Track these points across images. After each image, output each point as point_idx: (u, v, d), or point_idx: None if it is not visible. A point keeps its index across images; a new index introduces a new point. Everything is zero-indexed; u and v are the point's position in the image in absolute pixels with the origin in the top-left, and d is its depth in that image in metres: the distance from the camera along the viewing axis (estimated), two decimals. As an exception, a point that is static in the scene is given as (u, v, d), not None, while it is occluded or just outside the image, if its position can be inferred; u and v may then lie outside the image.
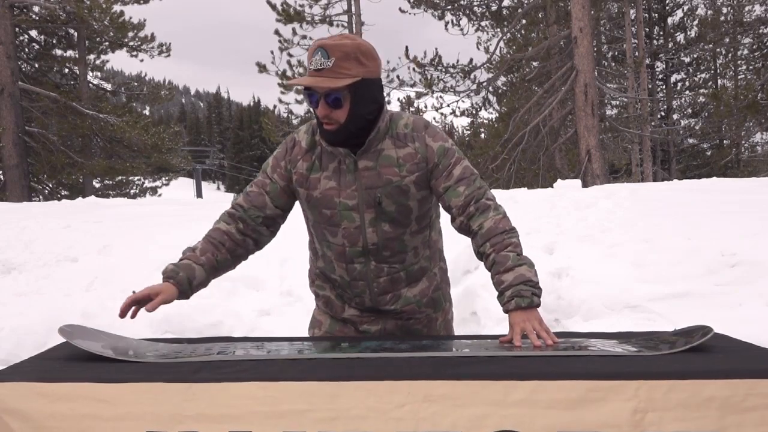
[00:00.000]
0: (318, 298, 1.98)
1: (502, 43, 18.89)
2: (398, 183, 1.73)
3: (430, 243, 1.89)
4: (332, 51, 1.61)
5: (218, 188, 69.82)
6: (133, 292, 1.64)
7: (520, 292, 1.60)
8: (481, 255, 1.72)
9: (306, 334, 2.03)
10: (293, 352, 1.51)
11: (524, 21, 18.49)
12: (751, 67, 23.66)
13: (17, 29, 17.23)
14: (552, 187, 9.38)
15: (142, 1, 18.87)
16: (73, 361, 1.43)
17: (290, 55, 18.97)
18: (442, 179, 1.74)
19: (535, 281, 1.63)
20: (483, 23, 18.85)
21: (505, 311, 1.63)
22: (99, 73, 22.08)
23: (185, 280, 1.71)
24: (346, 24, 19.92)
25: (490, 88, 19.44)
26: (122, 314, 1.61)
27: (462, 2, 17.67)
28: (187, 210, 8.30)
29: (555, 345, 1.52)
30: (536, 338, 1.54)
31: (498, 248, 1.67)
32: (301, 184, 1.78)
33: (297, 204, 1.87)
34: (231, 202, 1.87)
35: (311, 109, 1.70)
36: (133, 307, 1.63)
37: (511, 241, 1.68)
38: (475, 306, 4.10)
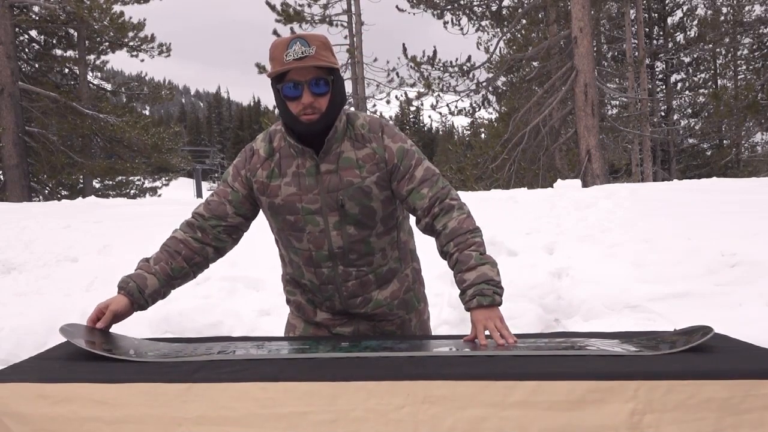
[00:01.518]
0: (290, 303, 1.98)
1: (502, 43, 18.91)
2: (359, 184, 1.71)
3: (399, 244, 1.88)
4: (311, 40, 1.62)
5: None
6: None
7: (482, 290, 1.60)
8: (444, 254, 1.73)
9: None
10: (293, 351, 1.51)
11: (524, 21, 18.49)
12: (751, 67, 23.66)
13: (17, 29, 17.24)
14: (552, 187, 9.38)
15: (142, 1, 18.87)
16: (73, 360, 1.43)
17: (290, 55, 18.95)
18: (405, 182, 1.73)
19: (497, 280, 1.64)
20: (483, 23, 18.85)
21: (467, 309, 1.64)
22: (99, 73, 22.09)
23: (135, 289, 1.71)
24: (346, 24, 19.93)
25: (490, 88, 19.43)
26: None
27: (462, 2, 17.67)
28: (187, 210, 8.30)
29: (514, 344, 1.52)
30: (499, 337, 1.55)
31: (461, 247, 1.67)
32: (262, 192, 1.77)
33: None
34: (191, 211, 1.86)
35: (282, 106, 1.68)
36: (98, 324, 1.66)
37: (474, 241, 1.68)
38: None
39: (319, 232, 1.74)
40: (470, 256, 1.65)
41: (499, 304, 1.62)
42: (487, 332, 1.58)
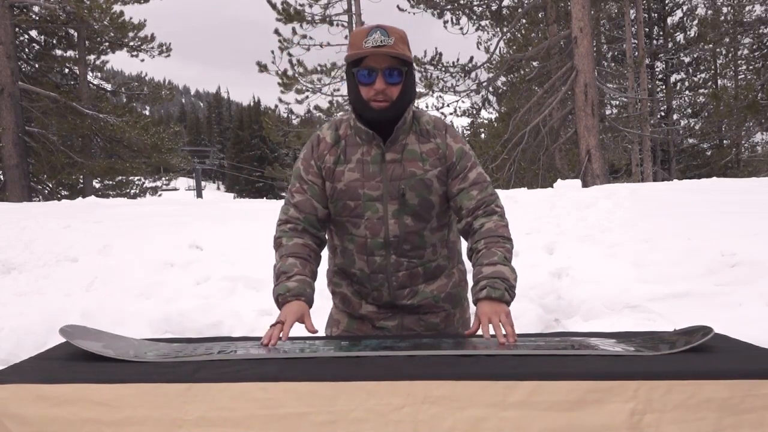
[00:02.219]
0: (335, 296, 2.00)
1: (502, 43, 18.91)
2: (422, 176, 1.78)
3: (448, 243, 1.93)
4: (391, 32, 1.70)
5: (218, 188, 69.82)
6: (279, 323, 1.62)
7: (494, 284, 1.63)
8: (471, 251, 1.76)
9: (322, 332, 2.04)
10: (294, 351, 1.51)
11: (524, 21, 18.49)
12: (751, 67, 23.65)
13: (17, 29, 17.23)
14: (552, 187, 9.38)
15: (142, 1, 18.87)
16: (73, 361, 1.43)
17: (290, 55, 18.98)
18: (458, 180, 1.80)
19: (512, 284, 1.66)
20: (483, 23, 18.86)
21: (475, 300, 1.65)
22: (99, 73, 22.09)
23: (311, 296, 1.73)
24: (346, 24, 19.92)
25: (490, 88, 19.44)
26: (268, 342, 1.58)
27: (461, 2, 17.67)
28: (187, 210, 8.31)
29: (514, 344, 1.52)
30: (501, 335, 1.54)
31: (489, 245, 1.71)
32: (328, 178, 1.82)
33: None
34: (278, 221, 1.87)
35: (355, 90, 1.73)
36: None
37: (504, 246, 1.72)
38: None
39: (377, 219, 1.79)
40: (495, 254, 1.69)
41: (507, 302, 1.63)
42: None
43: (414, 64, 1.79)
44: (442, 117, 20.08)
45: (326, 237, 1.90)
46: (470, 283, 1.76)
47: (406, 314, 1.89)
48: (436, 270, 1.89)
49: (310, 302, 1.71)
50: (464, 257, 2.03)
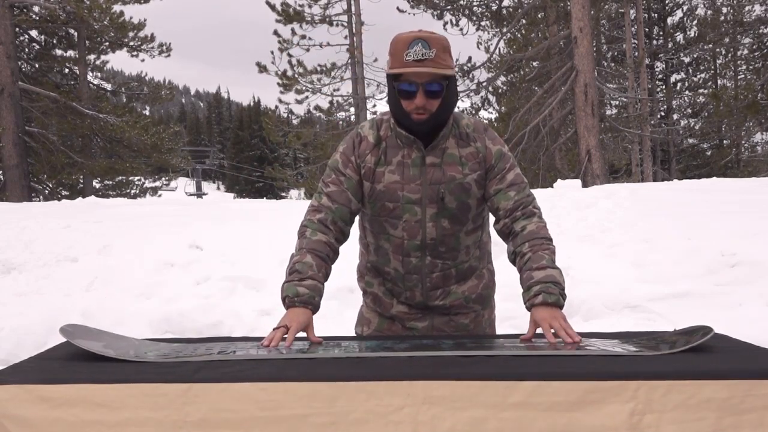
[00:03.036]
0: (366, 294, 2.01)
1: (502, 43, 18.91)
2: (461, 180, 1.78)
3: (480, 244, 1.95)
4: (432, 42, 1.66)
5: (218, 188, 69.82)
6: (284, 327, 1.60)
7: (548, 289, 1.63)
8: (516, 255, 1.76)
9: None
10: (294, 351, 1.51)
11: (524, 21, 18.49)
12: (751, 67, 23.66)
13: (17, 29, 17.23)
14: (552, 187, 9.38)
15: (142, 1, 18.87)
16: (74, 360, 1.42)
17: (290, 55, 19.00)
18: (495, 181, 1.80)
19: (563, 287, 1.67)
20: (483, 23, 18.86)
21: (530, 306, 1.64)
22: (99, 73, 22.08)
23: (318, 303, 1.70)
24: (346, 24, 19.93)
25: (490, 88, 19.44)
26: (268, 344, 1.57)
27: (461, 2, 17.67)
28: (187, 210, 8.31)
29: (579, 343, 1.53)
30: (566, 336, 1.55)
31: (535, 249, 1.71)
32: (367, 178, 1.82)
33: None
34: (310, 206, 1.85)
35: (395, 101, 1.73)
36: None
37: (549, 247, 1.74)
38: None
39: (415, 221, 1.80)
40: (542, 257, 1.69)
41: (562, 306, 1.63)
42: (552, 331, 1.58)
43: (456, 74, 1.77)
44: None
45: (348, 235, 1.87)
46: (503, 284, 1.75)
47: (437, 315, 1.90)
48: (468, 271, 1.91)
49: (316, 310, 1.69)
50: (493, 257, 2.06)
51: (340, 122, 19.82)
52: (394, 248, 1.85)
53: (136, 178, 21.65)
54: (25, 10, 17.32)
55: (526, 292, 1.67)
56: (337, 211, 1.80)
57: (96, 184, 20.41)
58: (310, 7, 19.26)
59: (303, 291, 1.66)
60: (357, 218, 1.91)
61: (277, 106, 20.94)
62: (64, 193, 19.21)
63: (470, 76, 17.01)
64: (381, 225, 1.85)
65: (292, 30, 19.05)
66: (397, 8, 17.64)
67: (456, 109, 1.85)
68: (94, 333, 1.61)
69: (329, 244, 1.78)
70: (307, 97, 19.31)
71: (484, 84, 17.57)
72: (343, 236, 1.84)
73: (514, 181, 1.80)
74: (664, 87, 27.93)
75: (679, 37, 26.88)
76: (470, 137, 1.82)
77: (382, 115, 1.87)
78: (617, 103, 22.87)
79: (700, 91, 25.94)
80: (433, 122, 1.73)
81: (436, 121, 1.73)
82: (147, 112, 24.85)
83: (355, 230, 1.95)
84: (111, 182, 21.16)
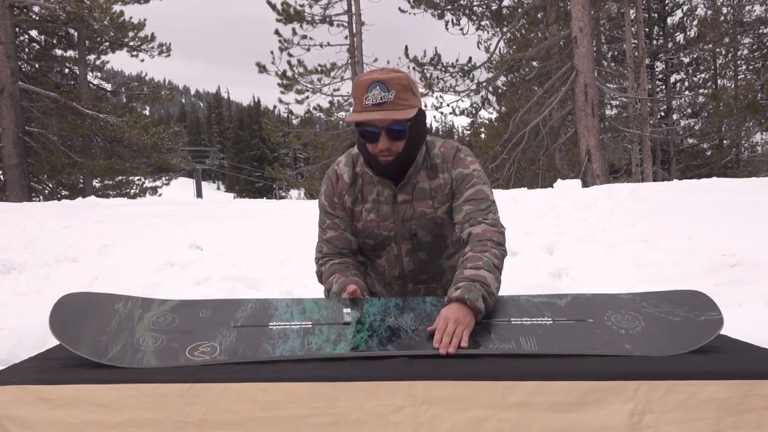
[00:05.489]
0: None
1: (502, 43, 18.90)
2: (432, 215, 1.79)
3: None
4: (391, 84, 1.64)
5: (218, 188, 69.79)
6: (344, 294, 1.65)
7: (471, 286, 1.51)
8: (459, 260, 1.69)
9: None
10: (305, 333, 1.49)
11: (524, 21, 18.48)
12: (751, 67, 23.65)
13: (17, 29, 17.22)
14: (552, 187, 9.37)
15: (142, 1, 18.86)
16: (74, 360, 1.42)
17: (290, 55, 18.99)
18: (455, 199, 1.80)
19: (492, 291, 1.55)
20: (483, 23, 18.85)
21: (447, 300, 1.52)
22: (99, 73, 22.07)
23: (361, 282, 1.76)
24: (346, 24, 19.92)
25: (490, 88, 19.43)
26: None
27: (462, 2, 17.67)
28: (187, 210, 8.30)
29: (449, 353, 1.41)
30: (447, 343, 1.41)
31: (476, 249, 1.64)
32: (348, 216, 1.87)
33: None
34: (315, 259, 1.91)
35: (362, 145, 1.73)
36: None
37: (491, 249, 1.63)
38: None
39: (393, 256, 1.85)
40: (480, 258, 1.60)
41: (480, 313, 1.50)
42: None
43: (422, 107, 1.75)
44: (442, 116, 20.06)
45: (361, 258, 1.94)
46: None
47: None
48: None
49: (361, 285, 1.70)
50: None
51: (340, 122, 19.81)
52: (378, 276, 1.93)
53: (136, 178, 21.65)
54: (25, 10, 17.31)
55: (450, 288, 1.56)
56: (339, 254, 1.86)
57: (96, 184, 20.40)
58: (310, 7, 19.26)
59: (336, 288, 1.72)
60: None
61: (275, 106, 20.95)
62: (64, 193, 19.18)
63: (470, 76, 17.00)
64: (366, 256, 1.92)
65: (293, 30, 19.04)
66: (399, 9, 17.64)
67: (431, 136, 1.85)
68: (92, 313, 1.52)
69: (344, 262, 1.84)
70: (307, 97, 19.30)
71: (484, 84, 17.56)
72: (358, 261, 1.90)
73: (470, 196, 1.75)
74: (664, 87, 27.91)
75: (679, 37, 26.87)
76: (439, 168, 1.79)
77: (358, 152, 1.84)
78: (617, 103, 22.86)
79: (700, 91, 25.92)
80: (399, 162, 1.72)
81: (403, 161, 1.73)
82: (147, 112, 24.81)
83: None
84: (111, 182, 21.16)
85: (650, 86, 25.82)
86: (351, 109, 1.75)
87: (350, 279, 1.73)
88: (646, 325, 1.51)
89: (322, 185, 1.91)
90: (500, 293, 1.62)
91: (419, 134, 1.73)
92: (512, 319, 1.53)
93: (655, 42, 27.00)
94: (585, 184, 11.13)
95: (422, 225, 1.79)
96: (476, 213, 1.73)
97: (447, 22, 17.72)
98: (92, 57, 20.47)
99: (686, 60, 27.26)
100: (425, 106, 18.57)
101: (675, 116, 26.50)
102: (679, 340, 1.47)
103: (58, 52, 20.09)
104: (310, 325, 1.52)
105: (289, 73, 18.75)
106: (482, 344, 1.46)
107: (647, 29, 26.02)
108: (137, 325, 1.51)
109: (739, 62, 24.91)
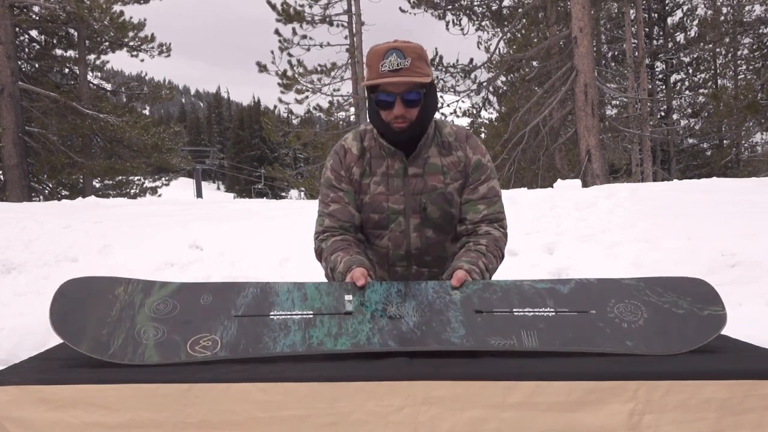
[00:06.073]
0: None
1: (502, 43, 18.89)
2: (442, 190, 1.80)
3: None
4: (407, 52, 1.67)
5: (218, 188, 69.78)
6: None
7: (474, 268, 1.66)
8: (469, 239, 1.80)
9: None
10: (307, 325, 1.48)
11: (524, 21, 18.48)
12: (751, 67, 23.63)
13: (17, 29, 17.22)
14: (552, 187, 9.37)
15: (142, 1, 18.86)
16: (74, 360, 1.42)
17: (290, 55, 18.99)
18: (468, 191, 1.82)
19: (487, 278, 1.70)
20: (483, 23, 18.85)
21: (452, 270, 1.65)
22: (99, 73, 22.06)
23: (366, 262, 1.73)
24: (346, 24, 19.92)
25: (490, 88, 19.43)
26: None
27: (462, 2, 17.67)
28: (187, 210, 8.30)
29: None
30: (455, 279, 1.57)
31: (490, 250, 1.75)
32: (355, 190, 1.84)
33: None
34: (315, 234, 1.87)
35: (375, 113, 1.74)
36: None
37: (498, 262, 1.77)
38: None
39: (400, 231, 1.82)
40: (493, 262, 1.73)
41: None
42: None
43: (434, 80, 1.78)
44: (443, 117, 20.15)
45: (363, 237, 1.89)
46: None
47: None
48: None
49: (366, 265, 1.68)
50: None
51: (340, 122, 19.81)
52: (380, 259, 1.88)
53: (136, 178, 21.64)
54: (25, 10, 17.30)
55: (458, 261, 1.68)
56: (341, 228, 1.82)
57: (96, 184, 20.40)
58: (310, 7, 19.26)
59: (342, 267, 1.68)
60: None
61: (275, 106, 20.95)
62: (64, 193, 19.19)
63: (471, 76, 17.00)
64: (366, 236, 1.87)
65: (293, 30, 19.05)
66: (400, 9, 17.64)
67: (441, 117, 1.85)
68: (91, 302, 1.49)
69: (346, 239, 1.80)
70: (307, 97, 19.30)
71: (485, 84, 17.56)
72: (359, 239, 1.86)
73: (486, 194, 1.82)
74: (664, 87, 27.91)
75: (679, 37, 26.87)
76: (452, 146, 1.83)
77: (366, 126, 1.88)
78: (617, 103, 22.86)
79: (700, 91, 25.92)
80: (413, 130, 1.74)
81: (416, 129, 1.74)
82: (147, 112, 24.81)
83: None
84: (111, 182, 21.15)
85: (650, 86, 25.82)
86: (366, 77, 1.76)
87: (355, 258, 1.69)
88: (649, 317, 1.50)
89: (327, 161, 1.88)
90: (504, 278, 1.68)
91: (431, 105, 1.77)
92: (515, 310, 1.51)
93: (655, 42, 27.00)
94: (585, 184, 11.14)
95: (432, 199, 1.79)
96: (492, 216, 1.82)
97: (447, 23, 17.73)
98: (92, 57, 20.47)
99: (686, 60, 27.26)
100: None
101: (675, 116, 26.50)
102: (681, 338, 1.45)
103: (58, 52, 20.08)
104: (311, 316, 1.50)
105: (289, 73, 18.76)
106: (484, 339, 1.45)
107: (647, 29, 26.02)
108: (138, 314, 1.49)
109: (739, 62, 24.90)
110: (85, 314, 1.46)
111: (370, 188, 1.81)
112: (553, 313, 1.50)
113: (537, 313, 1.51)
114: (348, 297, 1.55)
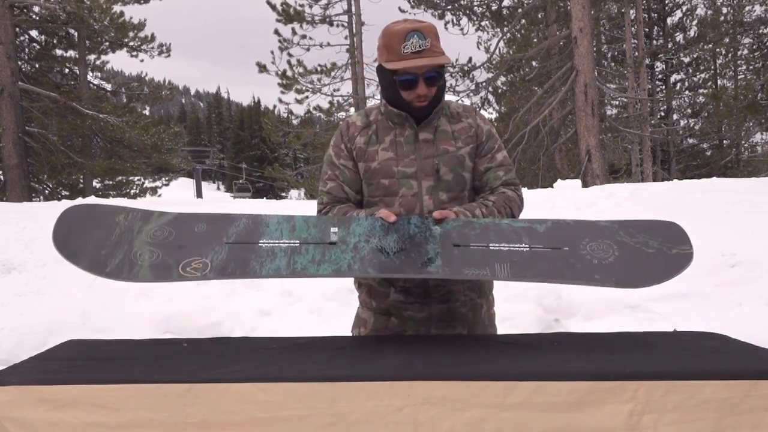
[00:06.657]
0: (360, 289, 1.95)
1: (502, 43, 18.90)
2: (455, 153, 1.83)
3: None
4: (426, 32, 1.73)
5: (218, 188, 69.78)
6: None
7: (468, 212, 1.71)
8: (488, 192, 1.86)
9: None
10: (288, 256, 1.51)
11: (524, 21, 18.48)
12: (751, 67, 23.63)
13: (17, 29, 17.21)
14: (552, 187, 9.37)
15: (142, 1, 18.86)
16: (74, 360, 1.42)
17: (290, 55, 19.00)
18: (486, 159, 1.88)
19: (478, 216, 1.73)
20: (483, 23, 18.85)
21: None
22: (99, 73, 22.06)
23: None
24: (346, 24, 19.92)
25: (490, 88, 19.43)
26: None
27: (462, 2, 17.67)
28: (187, 210, 8.29)
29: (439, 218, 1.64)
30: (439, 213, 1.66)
31: (506, 203, 1.80)
32: (360, 158, 1.85)
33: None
34: (317, 213, 1.89)
35: (395, 92, 1.78)
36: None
37: (510, 207, 1.81)
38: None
39: (412, 195, 1.81)
40: (497, 208, 1.77)
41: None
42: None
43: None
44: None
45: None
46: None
47: (435, 303, 1.85)
48: None
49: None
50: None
51: (340, 122, 19.80)
52: None
53: (136, 178, 21.63)
54: (25, 10, 17.30)
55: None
56: (340, 202, 1.85)
57: (96, 184, 20.38)
58: (310, 7, 19.27)
59: (344, 208, 1.78)
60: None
61: (275, 106, 20.94)
62: (64, 193, 19.17)
63: (470, 76, 17.00)
64: (377, 205, 1.84)
65: (293, 30, 19.05)
66: (399, 9, 17.64)
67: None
68: (92, 226, 1.55)
69: (350, 206, 1.84)
70: (307, 97, 19.31)
71: (484, 84, 17.56)
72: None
73: (503, 162, 1.89)
74: (664, 87, 27.91)
75: (679, 37, 26.86)
76: (461, 115, 1.90)
77: (371, 106, 1.94)
78: (617, 103, 22.87)
79: (700, 91, 25.91)
80: (432, 105, 1.81)
81: (435, 103, 1.82)
82: (147, 112, 24.80)
83: None
84: (111, 182, 21.14)
85: (650, 86, 25.82)
86: (382, 58, 1.79)
87: (371, 209, 1.77)
88: (620, 255, 1.53)
89: (332, 139, 1.93)
90: (485, 219, 1.74)
91: (445, 80, 1.87)
92: (491, 245, 1.55)
93: (655, 42, 27.00)
94: (585, 184, 11.14)
95: (445, 161, 1.81)
96: (511, 181, 1.89)
97: (447, 23, 17.73)
98: (92, 57, 20.46)
99: (686, 60, 27.26)
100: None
101: (675, 116, 26.50)
102: (647, 274, 1.48)
103: (58, 52, 20.07)
104: (297, 244, 1.56)
105: (289, 73, 18.77)
106: (459, 269, 1.50)
107: (647, 29, 26.03)
108: (136, 239, 1.55)
109: (739, 62, 24.90)
110: (86, 236, 1.52)
111: (378, 155, 1.82)
112: (528, 249, 1.54)
113: (512, 248, 1.54)
114: (334, 229, 1.62)
